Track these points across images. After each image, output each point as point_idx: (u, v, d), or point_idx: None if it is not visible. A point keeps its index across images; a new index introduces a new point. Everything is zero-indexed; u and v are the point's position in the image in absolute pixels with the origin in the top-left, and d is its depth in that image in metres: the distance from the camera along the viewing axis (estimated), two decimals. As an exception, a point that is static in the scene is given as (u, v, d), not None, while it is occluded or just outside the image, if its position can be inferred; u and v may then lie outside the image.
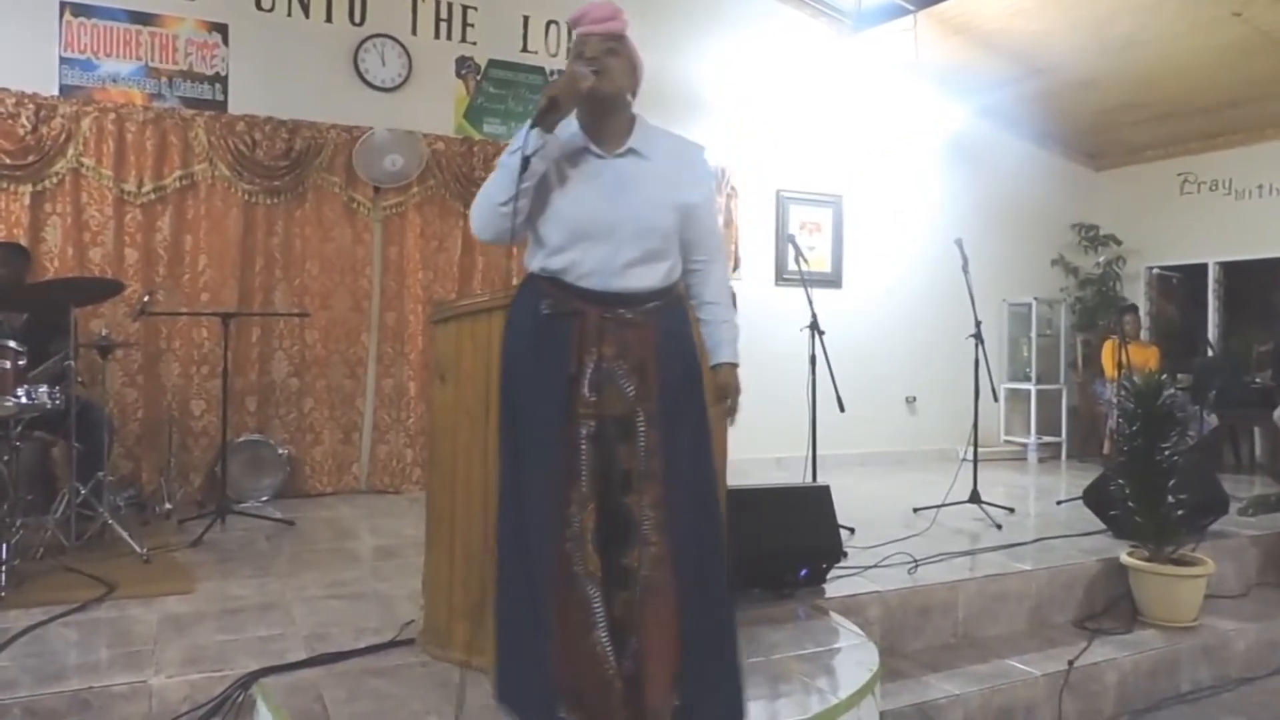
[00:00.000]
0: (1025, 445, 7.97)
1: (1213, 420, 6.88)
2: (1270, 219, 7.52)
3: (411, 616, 3.03)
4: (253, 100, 5.46)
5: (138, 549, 3.74)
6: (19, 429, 3.63)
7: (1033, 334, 8.07)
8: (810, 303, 4.82)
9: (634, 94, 2.26)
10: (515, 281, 2.34)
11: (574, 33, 2.22)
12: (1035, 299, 8.05)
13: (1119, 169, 8.59)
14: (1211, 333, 7.91)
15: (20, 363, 3.56)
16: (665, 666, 2.11)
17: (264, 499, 5.20)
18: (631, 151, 2.21)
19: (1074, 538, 4.58)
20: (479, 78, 6.12)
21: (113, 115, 5.12)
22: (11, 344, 3.54)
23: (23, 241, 4.81)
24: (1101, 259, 8.19)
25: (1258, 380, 7.34)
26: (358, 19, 5.78)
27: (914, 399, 7.67)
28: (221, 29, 5.45)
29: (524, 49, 6.22)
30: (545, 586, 2.10)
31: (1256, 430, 7.64)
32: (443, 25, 6.02)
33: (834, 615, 3.35)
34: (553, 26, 6.26)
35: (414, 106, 5.87)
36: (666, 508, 2.15)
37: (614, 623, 2.12)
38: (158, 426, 5.17)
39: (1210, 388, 6.92)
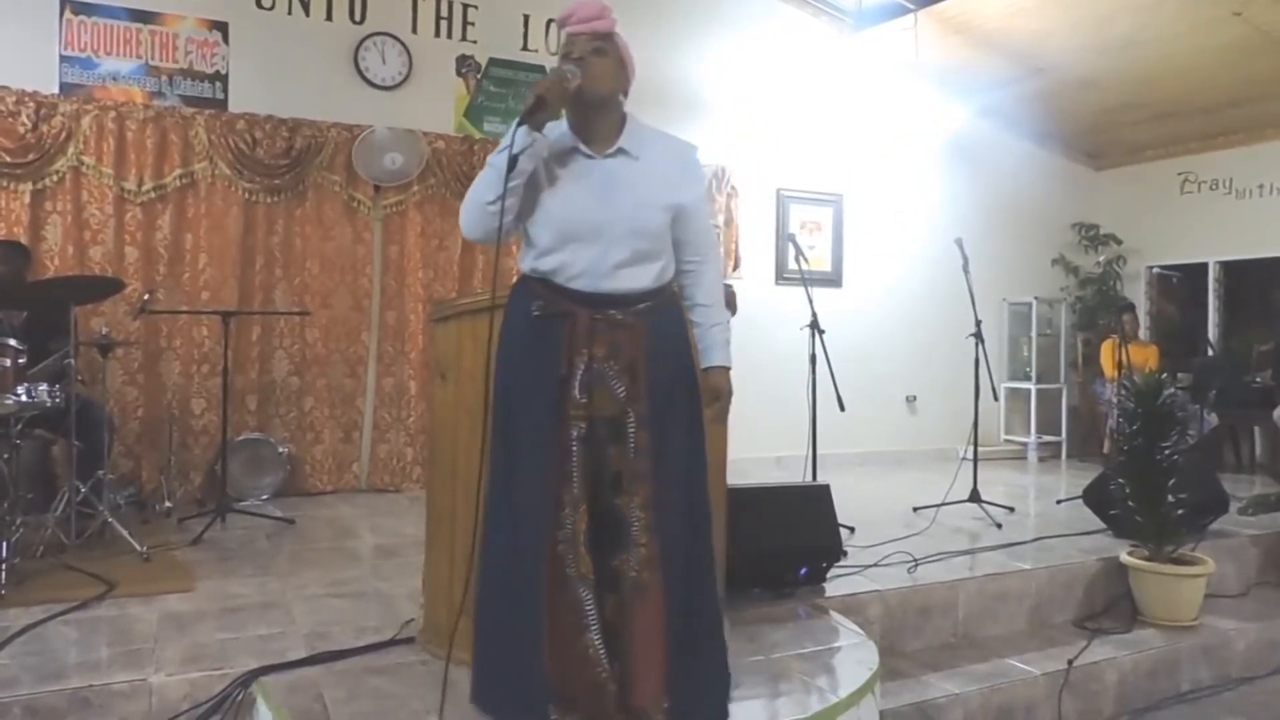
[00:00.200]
0: (1025, 444, 7.97)
1: (1213, 420, 6.88)
2: (1270, 218, 7.52)
3: (411, 615, 3.03)
4: (253, 99, 5.46)
5: (138, 547, 3.74)
6: (19, 427, 3.62)
7: (1033, 333, 8.07)
8: (810, 302, 4.82)
9: (625, 93, 2.25)
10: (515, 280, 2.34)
11: (563, 32, 2.21)
12: (1035, 298, 8.05)
13: (1119, 168, 8.59)
14: (1212, 332, 7.91)
15: (20, 361, 3.55)
16: (653, 667, 2.10)
17: (264, 497, 5.20)
18: (621, 151, 2.19)
19: (1074, 537, 4.58)
20: (479, 76, 6.12)
21: (113, 113, 5.12)
22: (11, 342, 3.54)
23: (23, 240, 4.81)
24: (1102, 258, 8.19)
25: (1258, 380, 7.34)
26: (358, 17, 5.78)
27: (914, 398, 7.67)
28: (222, 27, 5.44)
29: (524, 48, 6.21)
30: (538, 588, 2.09)
31: (1256, 430, 7.63)
32: (443, 24, 6.02)
33: (834, 614, 3.35)
34: (553, 25, 6.24)
35: (414, 105, 5.87)
36: (656, 509, 2.14)
37: (606, 625, 2.12)
38: (158, 425, 5.17)
39: (1210, 387, 6.92)
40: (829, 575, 3.63)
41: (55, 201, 5.03)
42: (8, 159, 4.87)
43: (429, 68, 5.96)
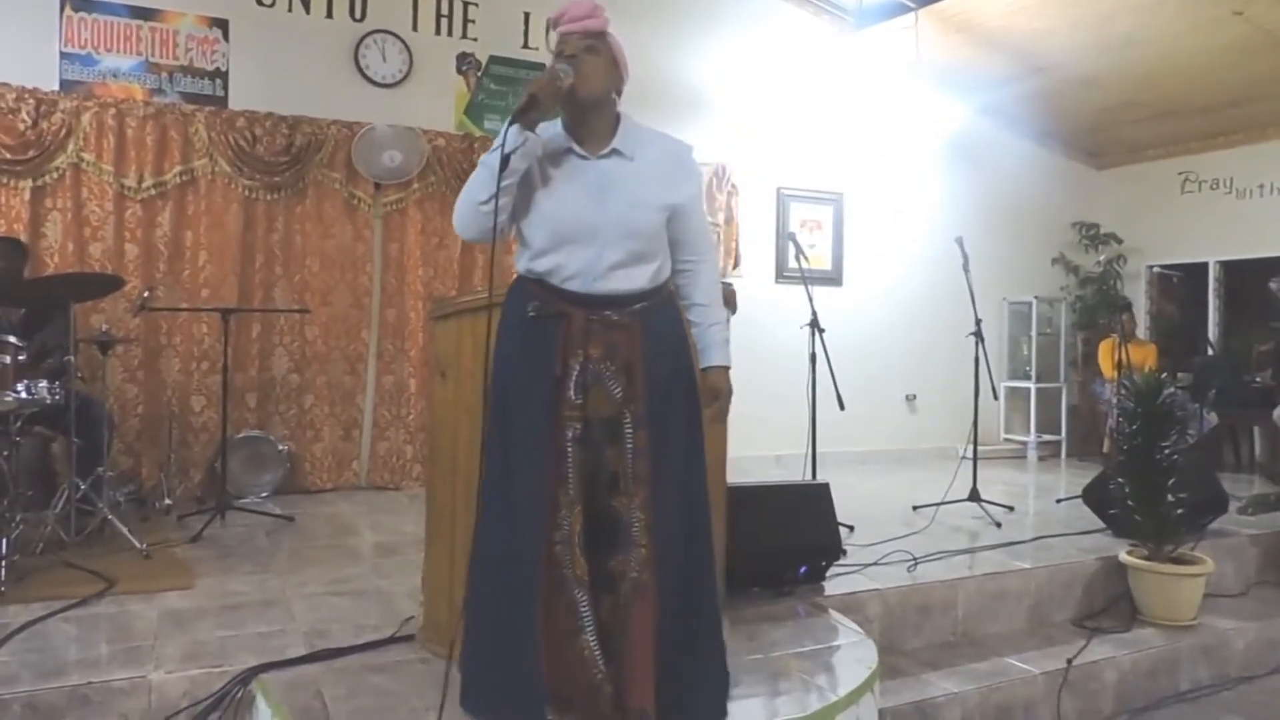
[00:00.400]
0: (1025, 443, 7.97)
1: (1212, 419, 6.88)
2: (1271, 218, 7.51)
3: (411, 613, 3.03)
4: (253, 96, 5.46)
5: (137, 544, 3.74)
6: (19, 424, 3.62)
7: (1033, 332, 8.07)
8: (810, 300, 4.82)
9: (619, 92, 2.23)
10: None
11: (555, 32, 2.20)
12: (1036, 298, 8.05)
13: (1120, 168, 8.58)
14: (1212, 332, 7.91)
15: (20, 358, 3.55)
16: (649, 668, 2.10)
17: (264, 495, 5.20)
18: (615, 152, 2.18)
19: (1073, 536, 4.58)
20: (480, 74, 6.11)
21: (113, 110, 5.11)
22: (11, 339, 3.54)
23: (23, 237, 4.80)
24: (1102, 258, 8.18)
25: (1258, 380, 7.33)
26: (358, 15, 5.78)
27: (914, 397, 7.67)
28: (222, 24, 5.44)
29: (525, 45, 6.21)
30: (533, 590, 2.09)
31: (1256, 429, 7.63)
32: (443, 21, 6.02)
33: (833, 613, 3.35)
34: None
35: (414, 103, 5.87)
36: (654, 509, 2.14)
37: (601, 627, 2.11)
38: (158, 422, 5.17)
39: (1210, 387, 6.92)
40: (828, 574, 3.63)
41: (55, 198, 5.03)
42: (8, 156, 4.86)
43: (429, 65, 5.95)
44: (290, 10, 5.60)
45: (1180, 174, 8.13)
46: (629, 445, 2.14)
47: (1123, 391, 4.79)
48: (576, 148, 2.18)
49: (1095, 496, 4.77)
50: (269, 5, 5.55)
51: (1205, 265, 8.05)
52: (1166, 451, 4.05)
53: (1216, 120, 7.50)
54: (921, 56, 6.85)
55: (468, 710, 2.18)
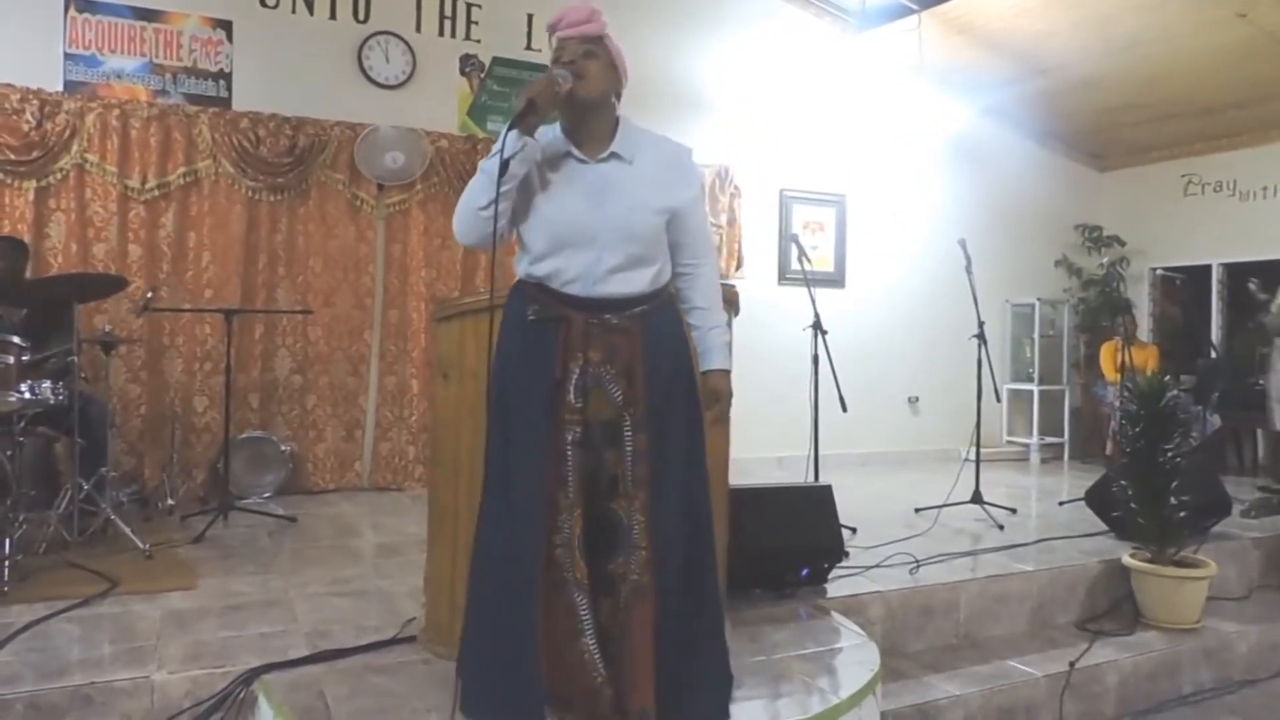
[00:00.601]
0: (1028, 446, 7.96)
1: (1215, 422, 6.87)
2: (1274, 220, 7.50)
3: (413, 614, 3.03)
4: (257, 97, 5.47)
5: (140, 545, 3.74)
6: (22, 424, 3.63)
7: (1035, 334, 8.07)
8: (813, 302, 4.83)
9: (618, 95, 2.23)
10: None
11: (553, 38, 2.19)
12: (1038, 299, 8.05)
13: (1123, 170, 8.58)
14: (1215, 334, 7.90)
15: (24, 358, 3.56)
16: (650, 669, 2.10)
17: (266, 495, 5.21)
18: (614, 155, 2.18)
19: (1076, 539, 4.58)
20: (483, 75, 6.12)
21: (117, 111, 5.12)
22: (15, 340, 3.55)
23: (27, 237, 4.81)
24: (1105, 260, 8.16)
25: (1260, 382, 7.32)
26: (362, 16, 5.78)
27: (916, 399, 7.66)
28: (226, 26, 5.45)
29: (528, 47, 6.22)
30: (532, 592, 2.09)
31: (1259, 432, 7.61)
32: (447, 23, 6.02)
33: (835, 615, 3.34)
34: (556, 25, 6.26)
35: (418, 104, 5.87)
36: (653, 511, 2.14)
37: (601, 630, 2.11)
38: (161, 423, 5.18)
39: (1213, 389, 6.91)
40: (831, 576, 3.63)
41: (59, 199, 5.04)
42: (12, 157, 4.87)
43: (432, 67, 5.96)
44: (294, 11, 5.61)
45: (1183, 176, 8.12)
46: (628, 448, 2.15)
47: (1125, 394, 4.78)
48: (575, 151, 2.18)
49: (1098, 499, 4.77)
50: (272, 6, 5.56)
51: (1208, 268, 8.03)
52: (1169, 454, 4.05)
53: (1220, 122, 7.49)
54: (924, 58, 6.85)
55: (467, 712, 2.18)
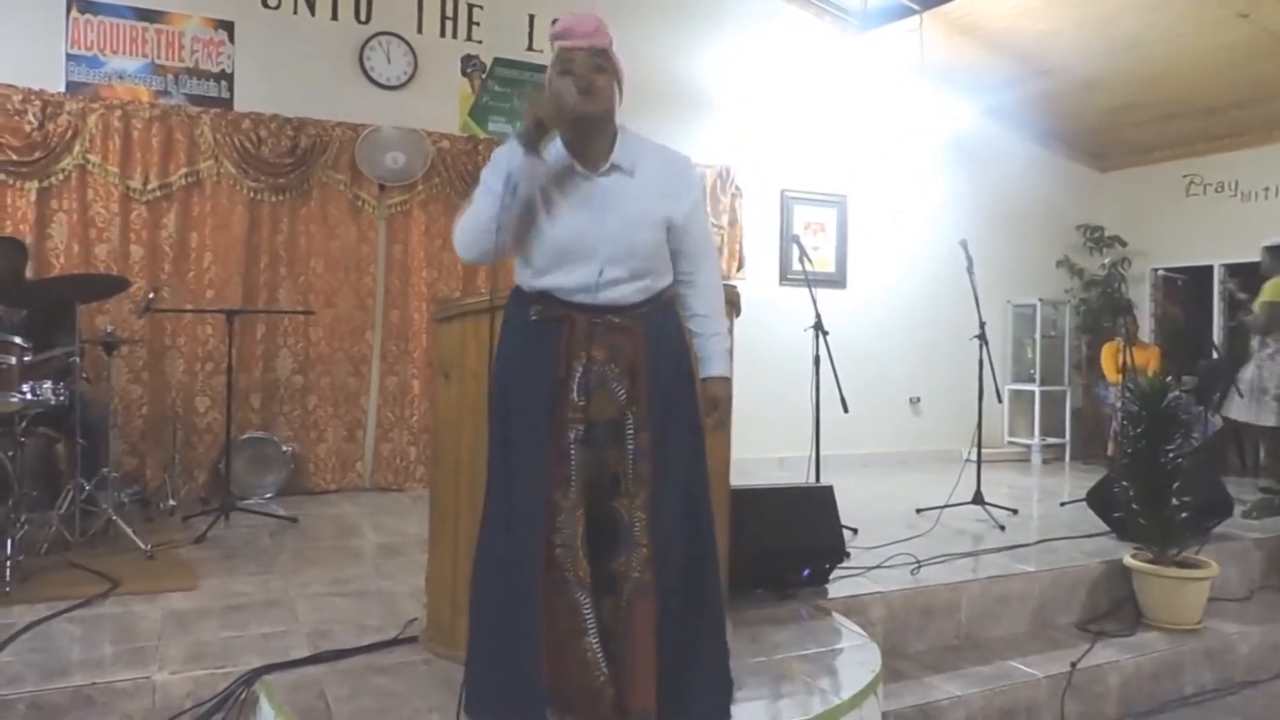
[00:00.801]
0: (1029, 446, 7.95)
1: (1217, 423, 6.86)
2: (1276, 221, 7.47)
3: (414, 614, 3.03)
4: (258, 98, 5.47)
5: (142, 545, 3.75)
6: (23, 425, 3.63)
7: (1037, 335, 8.06)
8: (814, 303, 4.83)
9: (619, 104, 2.23)
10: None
11: (557, 46, 2.14)
12: (1040, 300, 8.04)
13: (1124, 170, 8.57)
14: (1216, 335, 7.89)
15: (25, 359, 3.56)
16: (651, 668, 2.10)
17: (268, 496, 5.21)
18: (615, 167, 2.16)
19: (1077, 539, 4.58)
20: (484, 76, 6.12)
21: (119, 112, 5.13)
22: (17, 340, 3.55)
23: (28, 238, 4.82)
24: (1107, 260, 8.16)
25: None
26: (363, 17, 5.79)
27: (918, 400, 7.66)
28: (227, 26, 5.45)
29: (530, 48, 6.22)
30: (534, 592, 2.09)
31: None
32: (448, 23, 6.02)
33: (836, 616, 3.35)
34: (558, 25, 6.26)
35: (419, 105, 5.88)
36: (655, 510, 2.14)
37: (603, 629, 2.11)
38: (162, 423, 5.19)
39: (1214, 390, 6.89)
40: (832, 576, 3.63)
41: (61, 200, 5.04)
42: (14, 157, 4.88)
43: (434, 67, 5.96)
44: (295, 12, 5.62)
45: (1185, 176, 8.11)
46: (630, 447, 2.14)
47: (1126, 395, 4.78)
48: (578, 166, 2.16)
49: (1099, 500, 4.76)
50: (274, 7, 5.57)
51: (1210, 268, 8.02)
52: (1171, 455, 4.05)
53: (1221, 122, 7.49)
54: (925, 59, 6.84)
55: (469, 712, 2.18)
